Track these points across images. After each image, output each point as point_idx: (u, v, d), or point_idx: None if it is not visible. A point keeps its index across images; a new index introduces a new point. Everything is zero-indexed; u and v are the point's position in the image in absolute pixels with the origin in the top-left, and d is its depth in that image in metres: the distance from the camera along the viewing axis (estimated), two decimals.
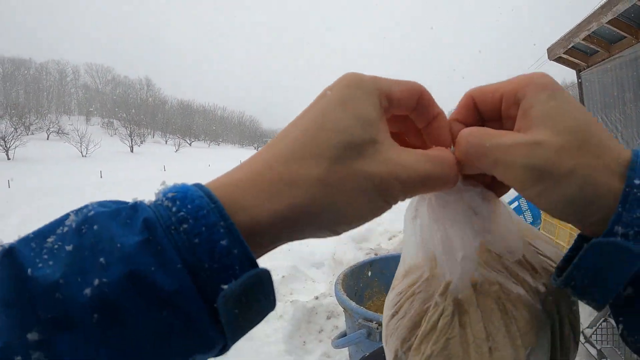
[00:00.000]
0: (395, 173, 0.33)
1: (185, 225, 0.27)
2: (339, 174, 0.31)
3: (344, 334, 2.23)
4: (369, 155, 0.32)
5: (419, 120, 0.41)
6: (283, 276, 4.53)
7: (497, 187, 0.44)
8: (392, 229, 6.89)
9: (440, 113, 0.40)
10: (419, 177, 0.34)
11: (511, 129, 0.38)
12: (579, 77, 6.15)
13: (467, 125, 0.41)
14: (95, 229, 0.26)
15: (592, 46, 5.37)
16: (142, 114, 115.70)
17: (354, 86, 0.35)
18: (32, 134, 70.55)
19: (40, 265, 0.25)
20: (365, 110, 0.34)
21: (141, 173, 32.54)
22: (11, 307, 0.24)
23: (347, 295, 2.15)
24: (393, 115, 0.39)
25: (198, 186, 0.30)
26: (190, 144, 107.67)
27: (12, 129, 51.52)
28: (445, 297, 0.44)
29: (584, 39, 5.28)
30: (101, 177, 30.59)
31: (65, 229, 0.27)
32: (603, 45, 5.24)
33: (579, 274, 0.33)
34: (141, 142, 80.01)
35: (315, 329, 3.74)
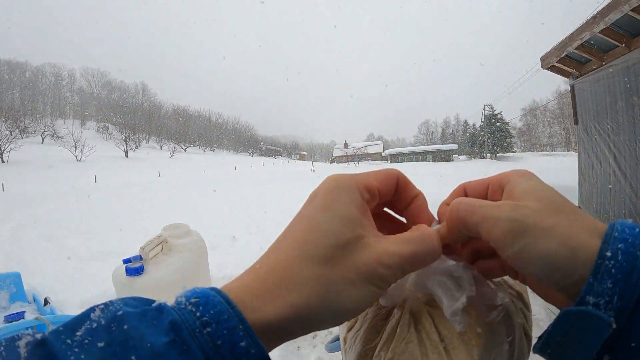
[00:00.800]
0: (381, 260, 0.37)
1: (208, 329, 0.30)
2: (331, 272, 0.35)
3: (337, 339, 2.24)
4: (356, 250, 0.37)
5: (399, 202, 0.46)
6: None
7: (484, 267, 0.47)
8: None
9: (418, 193, 0.46)
10: (404, 259, 0.38)
11: None
12: (572, 85, 6.21)
13: None
14: (125, 328, 0.29)
15: (585, 55, 5.43)
16: (137, 118, 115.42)
17: (335, 190, 0.40)
18: (27, 137, 70.27)
19: (72, 358, 0.26)
20: (347, 210, 0.38)
21: (136, 178, 32.46)
22: None
23: None
24: (378, 203, 0.44)
25: (216, 291, 0.34)
26: (185, 150, 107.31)
27: (7, 132, 51.25)
28: (402, 309, 0.50)
29: (577, 48, 5.35)
30: (96, 181, 30.48)
31: (94, 324, 0.29)
32: (596, 54, 5.30)
33: (554, 340, 0.35)
34: (136, 147, 79.70)
35: (309, 334, 3.76)
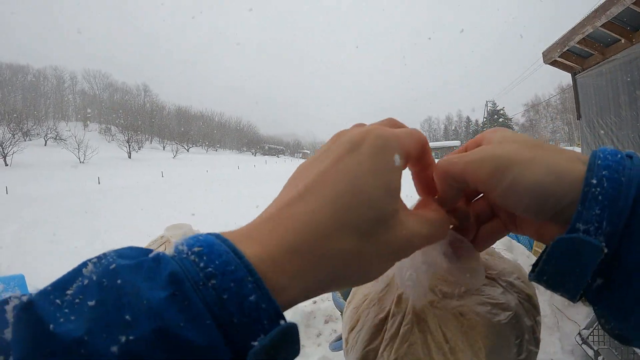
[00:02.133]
0: (410, 240, 0.36)
1: (213, 281, 0.27)
2: (368, 247, 0.33)
3: (341, 337, 2.24)
4: (392, 226, 0.34)
5: (417, 166, 0.44)
6: None
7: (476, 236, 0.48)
8: None
9: (433, 163, 0.44)
10: (424, 239, 0.38)
11: None
12: (574, 80, 6.18)
13: None
14: (119, 283, 0.26)
15: (587, 49, 5.40)
16: (139, 120, 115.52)
17: (382, 151, 0.35)
18: (30, 139, 70.37)
19: (62, 320, 0.24)
20: (394, 179, 0.35)
21: (139, 179, 32.48)
22: None
23: (344, 299, 2.15)
24: None
25: (221, 239, 0.30)
26: (188, 150, 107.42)
27: (10, 134, 51.36)
28: (401, 307, 0.50)
29: (578, 42, 5.32)
30: (99, 183, 30.52)
31: (86, 280, 0.26)
32: (598, 48, 5.27)
33: (549, 267, 0.36)
34: (139, 148, 79.63)
35: (313, 333, 3.75)
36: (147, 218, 11.84)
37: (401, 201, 0.37)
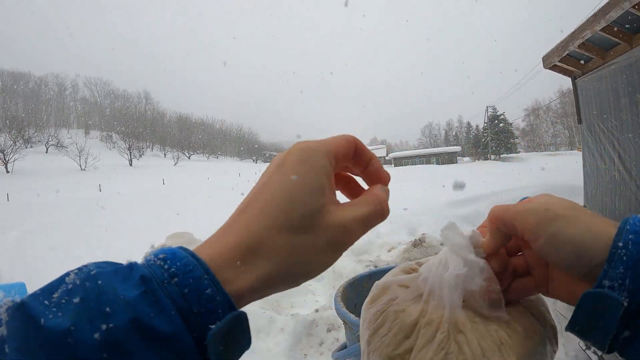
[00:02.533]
0: (345, 226, 0.40)
1: (176, 279, 0.33)
2: (301, 240, 0.38)
3: (344, 347, 2.22)
4: (323, 218, 0.39)
5: (357, 166, 0.49)
6: None
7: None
8: (391, 241, 6.89)
9: (372, 156, 0.49)
10: (360, 221, 0.42)
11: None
12: (574, 84, 6.18)
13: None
14: (99, 284, 0.31)
15: (586, 53, 5.40)
16: (140, 127, 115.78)
17: (305, 157, 0.41)
18: (31, 147, 70.62)
19: (51, 316, 0.28)
20: (318, 179, 0.40)
21: (140, 186, 32.54)
22: (26, 354, 0.27)
23: (346, 308, 2.14)
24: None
25: (182, 249, 0.36)
26: (189, 157, 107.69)
27: (11, 142, 51.61)
28: (436, 315, 0.52)
29: (578, 47, 5.32)
30: (100, 190, 30.58)
31: (70, 286, 0.31)
32: (598, 52, 5.27)
33: (579, 318, 0.42)
34: (140, 156, 79.89)
35: (315, 341, 3.73)
36: (148, 226, 11.83)
37: (333, 196, 0.43)
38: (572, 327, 0.43)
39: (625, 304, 0.38)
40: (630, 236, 0.39)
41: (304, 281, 0.40)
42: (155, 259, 0.35)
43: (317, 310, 4.09)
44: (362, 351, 0.58)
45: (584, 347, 3.29)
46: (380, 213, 0.44)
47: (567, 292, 0.48)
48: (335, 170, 0.44)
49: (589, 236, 0.42)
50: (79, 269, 0.33)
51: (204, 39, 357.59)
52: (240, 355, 0.36)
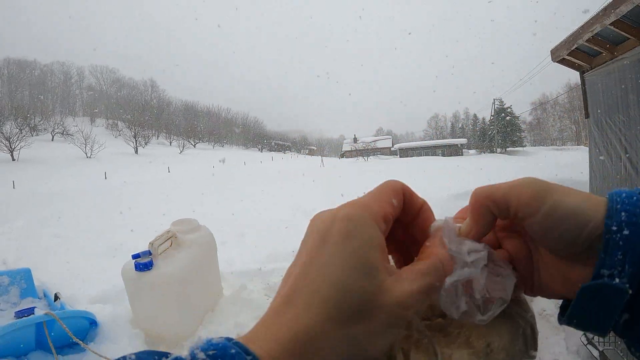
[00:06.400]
0: (402, 304, 0.35)
1: None
2: (357, 330, 0.33)
3: None
4: (379, 300, 0.34)
5: (405, 216, 0.44)
6: None
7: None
8: None
9: (423, 203, 0.45)
10: (423, 294, 0.37)
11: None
12: (582, 78, 6.14)
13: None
14: None
15: (595, 48, 5.36)
16: (146, 115, 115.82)
17: (351, 233, 0.36)
18: (37, 135, 70.82)
19: None
20: (369, 258, 0.35)
21: (146, 174, 32.61)
22: None
23: None
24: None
25: (233, 342, 0.31)
26: (194, 146, 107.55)
27: (17, 130, 51.70)
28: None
29: (587, 41, 5.28)
30: (106, 178, 30.70)
31: None
32: (606, 46, 5.23)
33: (578, 312, 0.39)
34: (145, 144, 79.73)
35: None
36: (153, 213, 11.87)
37: (388, 265, 0.38)
38: (570, 320, 0.40)
39: (631, 291, 0.35)
40: (622, 217, 0.36)
41: None
42: (204, 356, 0.30)
43: None
44: None
45: (586, 342, 3.30)
46: (441, 277, 0.40)
47: (559, 281, 0.43)
48: (386, 232, 0.40)
49: (588, 204, 0.38)
50: None
51: (211, 27, 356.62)
52: None
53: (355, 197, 0.41)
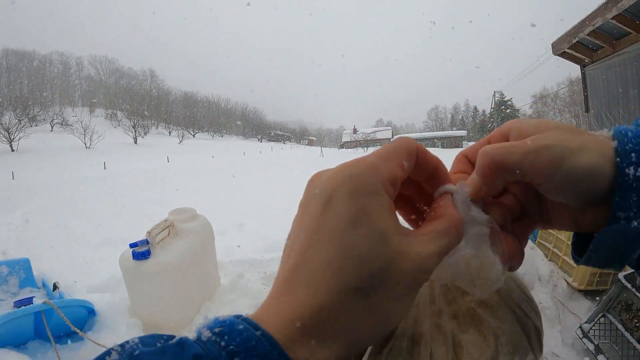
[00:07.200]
0: (421, 267, 0.33)
1: (237, 359, 0.27)
2: (378, 298, 0.32)
3: None
4: (396, 265, 0.32)
5: (419, 174, 0.41)
6: None
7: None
8: None
9: (438, 161, 0.41)
10: (438, 256, 0.35)
11: None
12: (583, 72, 6.12)
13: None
14: None
15: (596, 41, 5.34)
16: (145, 105, 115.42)
17: (356, 193, 0.33)
18: (36, 125, 70.52)
19: None
20: (382, 223, 0.33)
21: (145, 164, 32.54)
22: None
23: None
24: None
25: (241, 318, 0.30)
26: (194, 136, 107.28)
27: (16, 120, 51.51)
28: (403, 331, 0.45)
29: (588, 34, 5.25)
30: (105, 168, 30.62)
31: None
32: (607, 40, 5.20)
33: (596, 254, 0.40)
34: (145, 134, 79.36)
35: None
36: (152, 203, 11.87)
37: (401, 228, 0.35)
38: (587, 262, 0.42)
39: None
40: (633, 158, 0.37)
41: (387, 333, 0.36)
42: (211, 334, 0.29)
43: None
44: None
45: (581, 336, 3.32)
46: (457, 239, 0.38)
47: (569, 222, 0.43)
48: (394, 195, 0.37)
49: (603, 162, 0.37)
50: (121, 345, 0.28)
51: (210, 16, 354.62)
52: None
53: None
